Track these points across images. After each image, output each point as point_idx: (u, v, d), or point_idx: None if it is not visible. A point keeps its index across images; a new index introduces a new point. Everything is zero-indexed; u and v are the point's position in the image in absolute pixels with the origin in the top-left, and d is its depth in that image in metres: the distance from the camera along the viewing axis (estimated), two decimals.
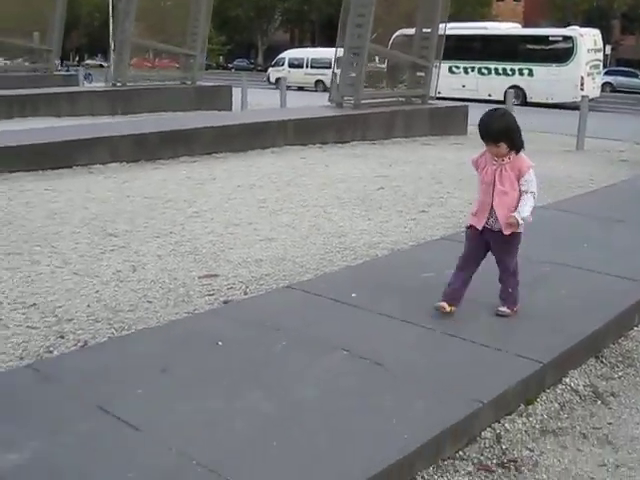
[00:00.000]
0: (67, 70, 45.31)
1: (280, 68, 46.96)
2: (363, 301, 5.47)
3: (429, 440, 3.64)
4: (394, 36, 21.97)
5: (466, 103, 20.72)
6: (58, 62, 34.17)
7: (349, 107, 18.08)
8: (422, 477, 3.61)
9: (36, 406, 3.84)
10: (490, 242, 5.24)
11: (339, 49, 19.06)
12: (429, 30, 19.68)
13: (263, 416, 3.75)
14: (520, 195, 5.08)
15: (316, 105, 20.99)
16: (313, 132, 16.00)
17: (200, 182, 11.41)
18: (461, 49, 33.04)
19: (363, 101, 18.22)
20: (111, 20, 55.07)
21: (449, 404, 3.97)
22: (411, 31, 20.66)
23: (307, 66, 45.56)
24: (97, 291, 6.30)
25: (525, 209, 5.07)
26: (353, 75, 18.16)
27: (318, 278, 6.44)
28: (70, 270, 6.86)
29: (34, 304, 5.97)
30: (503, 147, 5.03)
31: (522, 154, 5.14)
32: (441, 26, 19.73)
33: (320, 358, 4.46)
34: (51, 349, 5.10)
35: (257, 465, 3.31)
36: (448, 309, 5.23)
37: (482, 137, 5.13)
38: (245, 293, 6.32)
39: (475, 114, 18.64)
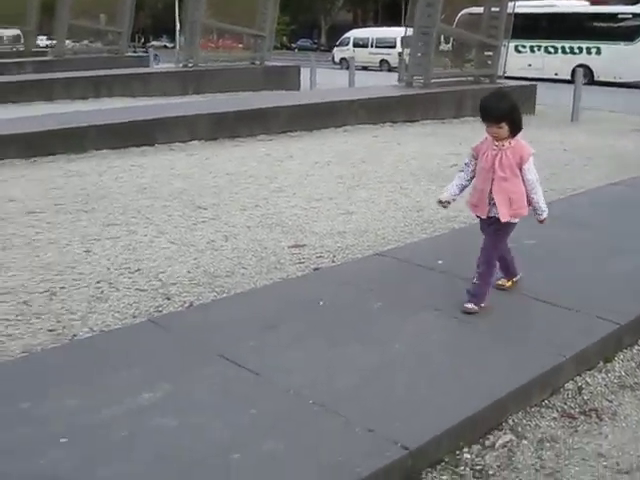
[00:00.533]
0: (134, 51, 46.10)
1: (345, 48, 47.27)
2: (449, 267, 5.85)
3: (518, 387, 4.01)
4: (459, 15, 22.05)
5: (534, 82, 20.75)
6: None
7: (418, 86, 18.33)
8: (512, 420, 3.98)
9: (162, 353, 4.29)
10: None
11: (408, 29, 19.25)
12: (498, 9, 19.76)
13: (366, 365, 4.15)
14: (523, 181, 4.93)
15: (384, 84, 21.28)
16: (384, 111, 16.31)
17: (278, 159, 11.84)
18: (528, 28, 32.76)
19: (432, 80, 18.46)
20: (177, 2, 55.84)
21: (535, 357, 4.32)
22: (476, 10, 20.75)
23: (372, 46, 45.75)
24: (195, 258, 6.76)
25: (543, 205, 5.05)
26: (422, 54, 18.38)
27: (403, 247, 6.83)
28: (167, 239, 7.34)
29: (138, 269, 6.45)
30: (505, 129, 4.83)
31: (521, 140, 4.96)
32: (510, 4, 19.81)
33: (414, 316, 4.85)
34: (160, 309, 5.56)
35: (367, 406, 3.70)
36: (508, 284, 5.46)
37: (483, 117, 4.90)
38: (333, 261, 6.71)
39: (542, 93, 18.81)
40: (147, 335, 4.60)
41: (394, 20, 71.59)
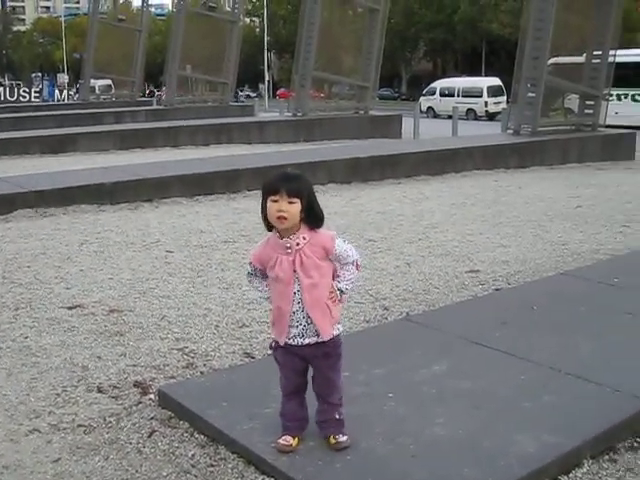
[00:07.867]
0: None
1: (431, 97, 48.75)
2: (626, 284, 7.00)
3: None
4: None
5: (633, 130, 21.58)
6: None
7: (526, 134, 19.45)
8: None
9: (428, 342, 5.50)
10: (308, 358, 3.89)
11: (517, 78, 20.35)
12: (599, 60, 20.74)
13: (592, 349, 5.33)
14: (333, 277, 3.88)
15: (488, 133, 22.42)
16: (498, 158, 17.47)
17: (416, 200, 13.08)
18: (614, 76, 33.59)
19: (539, 129, 19.59)
20: (266, 54, 58.42)
21: None
22: (563, 60, 21.48)
23: (458, 95, 46.97)
24: (390, 279, 7.96)
25: (347, 280, 3.90)
26: (530, 104, 19.53)
27: (574, 270, 7.96)
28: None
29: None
30: (296, 207, 3.70)
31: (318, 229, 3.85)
32: (611, 53, 20.75)
33: (614, 317, 6.05)
34: (385, 317, 6.76)
35: (608, 375, 4.81)
36: (294, 441, 3.94)
37: (270, 189, 3.73)
38: (508, 283, 7.83)
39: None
40: (406, 330, 5.88)
41: (474, 69, 73.02)
